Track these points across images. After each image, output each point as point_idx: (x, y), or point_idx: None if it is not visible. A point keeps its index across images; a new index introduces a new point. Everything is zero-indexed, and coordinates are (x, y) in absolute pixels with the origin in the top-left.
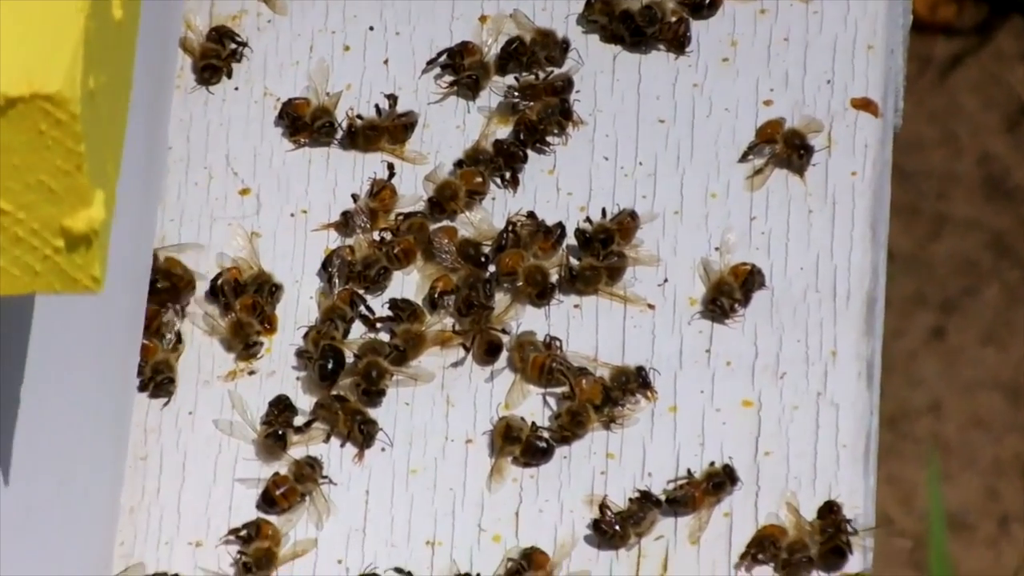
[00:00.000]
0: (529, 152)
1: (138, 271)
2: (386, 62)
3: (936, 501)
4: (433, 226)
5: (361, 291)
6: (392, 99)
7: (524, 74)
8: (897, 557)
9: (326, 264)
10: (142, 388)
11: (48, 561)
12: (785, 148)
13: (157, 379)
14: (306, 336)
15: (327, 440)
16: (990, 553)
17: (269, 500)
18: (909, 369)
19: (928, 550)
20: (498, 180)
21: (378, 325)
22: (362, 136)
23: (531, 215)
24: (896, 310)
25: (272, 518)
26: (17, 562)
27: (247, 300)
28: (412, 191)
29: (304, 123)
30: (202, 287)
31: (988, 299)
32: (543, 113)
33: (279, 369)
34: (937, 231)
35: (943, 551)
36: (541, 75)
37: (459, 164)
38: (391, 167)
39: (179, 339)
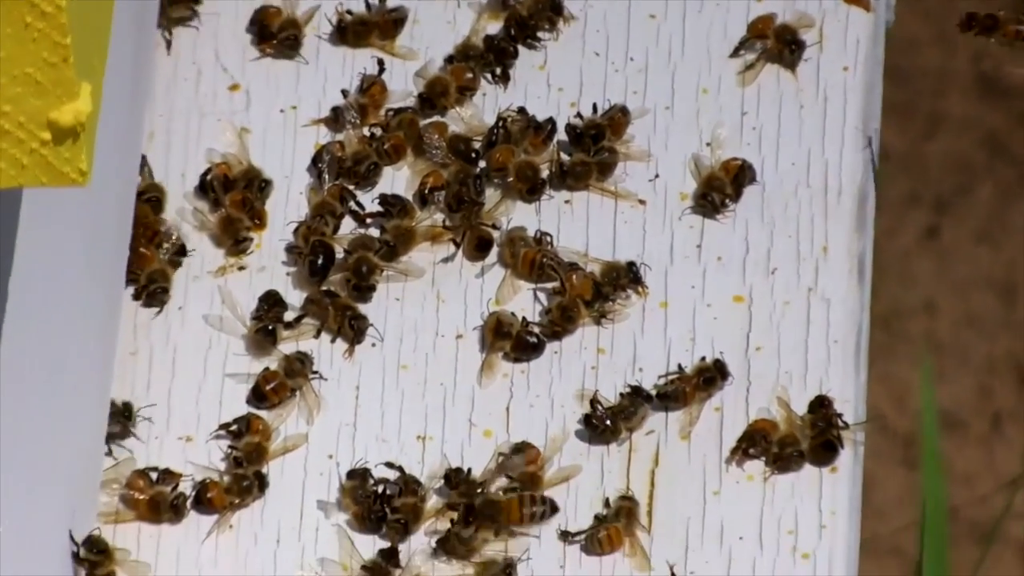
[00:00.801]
0: (520, 47)
1: (127, 167)
2: None
3: (929, 400)
4: (423, 122)
5: (351, 187)
6: None
7: None
8: (889, 456)
9: (316, 160)
10: (136, 296)
11: (39, 455)
12: (776, 43)
13: (151, 288)
14: (296, 231)
15: (317, 335)
16: (983, 451)
17: (259, 395)
18: (902, 268)
19: (921, 449)
20: (488, 76)
21: (368, 221)
22: (352, 31)
23: (522, 111)
24: (889, 209)
25: (262, 413)
26: (8, 456)
27: (237, 196)
28: (402, 87)
29: (271, 32)
30: (192, 184)
31: (982, 197)
32: (534, 8)
33: (269, 265)
34: (932, 130)
35: (935, 450)
36: None
37: (449, 60)
38: (381, 63)
39: (182, 251)
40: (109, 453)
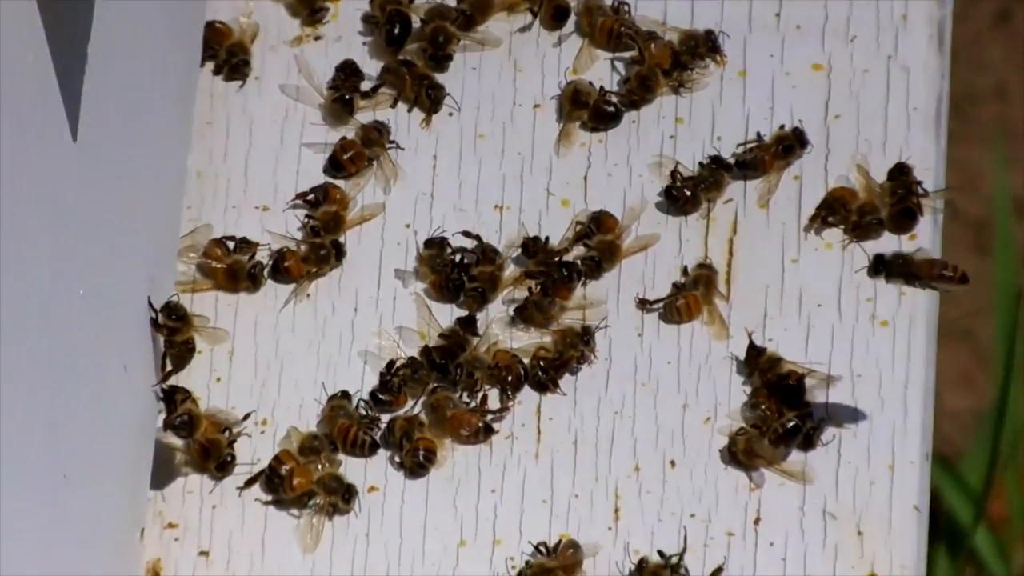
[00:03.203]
0: None
1: None
2: None
3: (1001, 185)
4: None
5: None
6: None
7: None
8: (961, 241)
9: None
10: (216, 71)
11: (117, 223)
12: None
13: (232, 61)
14: (372, 1)
15: (394, 105)
16: None
17: (337, 164)
18: (974, 53)
19: (993, 234)
20: None
21: None
22: None
23: None
24: None
25: (340, 182)
26: (87, 222)
27: None
28: None
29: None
30: None
31: None
32: None
33: (345, 34)
34: None
35: (1008, 234)
36: None
37: None
38: None
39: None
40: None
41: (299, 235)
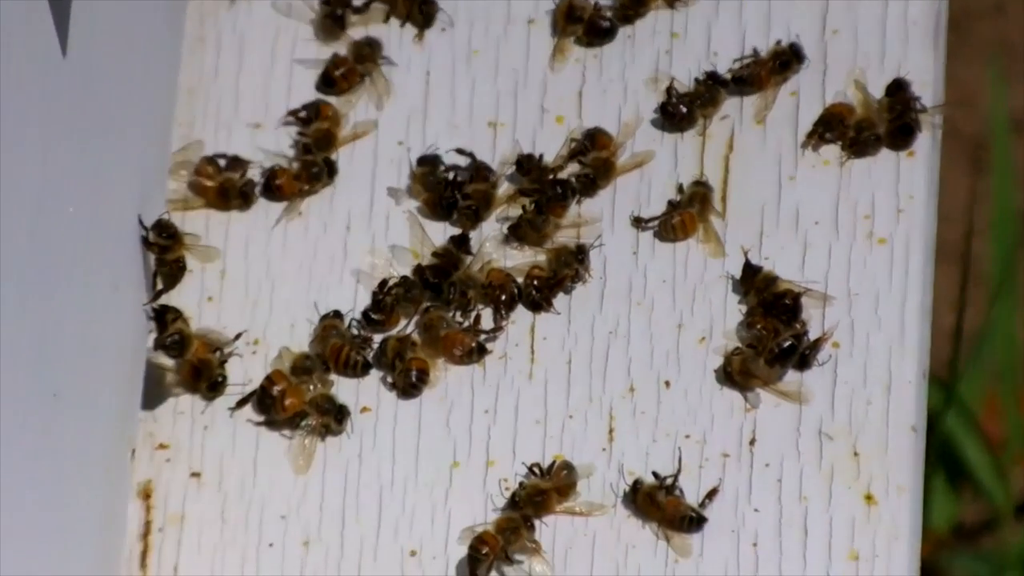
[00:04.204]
0: None
1: None
2: None
3: (999, 102)
4: None
5: None
6: None
7: None
8: (958, 159)
9: None
10: None
11: (107, 139)
12: None
13: None
14: None
15: (387, 20)
16: None
17: (329, 81)
18: None
19: (989, 152)
20: None
21: None
22: None
23: None
24: None
25: (332, 99)
26: (75, 137)
27: None
28: None
29: None
30: None
31: None
32: None
33: None
34: None
35: (1006, 152)
36: None
37: None
38: None
39: None
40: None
41: (291, 153)
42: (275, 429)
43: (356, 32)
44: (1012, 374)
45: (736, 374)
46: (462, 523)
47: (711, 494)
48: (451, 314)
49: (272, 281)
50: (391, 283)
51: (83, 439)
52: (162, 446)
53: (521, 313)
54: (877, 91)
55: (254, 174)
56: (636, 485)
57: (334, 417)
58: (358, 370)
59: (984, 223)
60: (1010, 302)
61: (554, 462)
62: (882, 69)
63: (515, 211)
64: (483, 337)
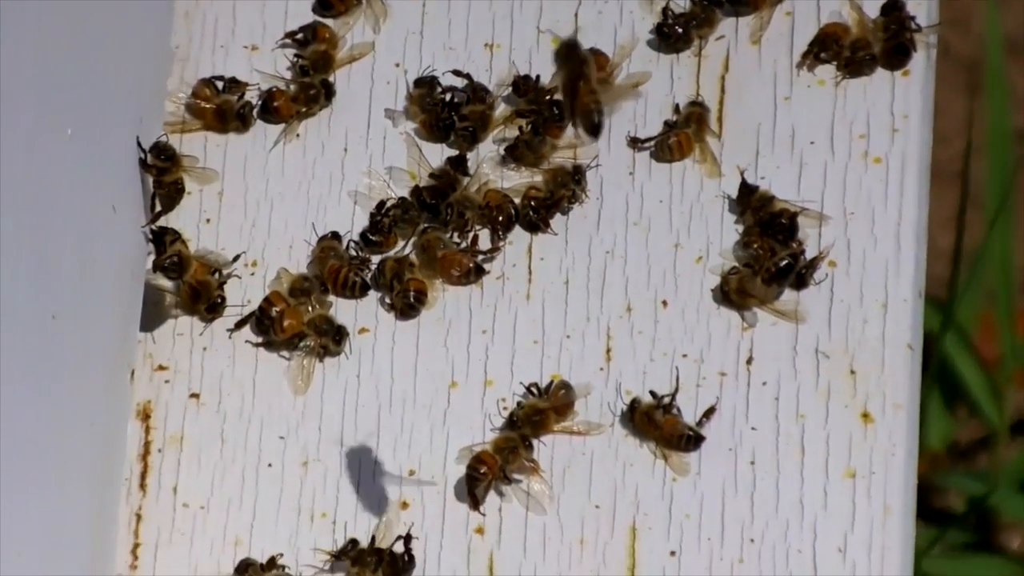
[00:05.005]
0: None
1: None
2: None
3: (993, 23)
4: None
5: None
6: None
7: None
8: (953, 81)
9: None
10: None
11: (106, 57)
12: None
13: None
14: None
15: None
16: None
17: (325, 3)
18: None
19: (984, 74)
20: None
21: None
22: None
23: None
24: None
25: (329, 21)
26: (74, 59)
27: None
28: None
29: None
30: None
31: None
32: None
33: None
34: None
35: (1000, 74)
36: None
37: None
38: None
39: None
40: None
41: (288, 75)
42: (274, 350)
43: None
44: (1008, 295)
45: (733, 293)
46: (460, 443)
47: (708, 413)
48: (448, 235)
49: (270, 203)
50: (389, 204)
51: (82, 360)
52: (161, 367)
53: (518, 234)
54: (872, 11)
55: (251, 96)
56: (634, 404)
57: (332, 338)
58: (356, 291)
59: (981, 145)
60: (1006, 223)
61: (552, 382)
62: None
63: (512, 132)
64: (480, 258)
